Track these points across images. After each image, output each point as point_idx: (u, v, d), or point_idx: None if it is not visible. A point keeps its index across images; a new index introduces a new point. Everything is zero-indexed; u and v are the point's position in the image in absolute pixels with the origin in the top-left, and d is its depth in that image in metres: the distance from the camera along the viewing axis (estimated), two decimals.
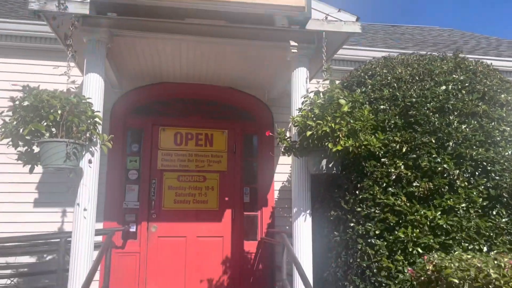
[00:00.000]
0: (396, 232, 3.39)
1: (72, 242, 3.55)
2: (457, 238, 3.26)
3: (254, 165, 5.85)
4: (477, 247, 3.24)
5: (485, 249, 3.26)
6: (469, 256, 2.20)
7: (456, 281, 1.91)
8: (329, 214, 4.10)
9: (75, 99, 3.38)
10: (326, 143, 3.49)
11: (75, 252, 3.50)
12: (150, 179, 5.44)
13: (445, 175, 3.37)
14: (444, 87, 3.61)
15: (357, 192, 3.69)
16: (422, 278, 2.25)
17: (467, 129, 3.45)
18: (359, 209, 3.61)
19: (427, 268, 2.26)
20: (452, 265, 2.03)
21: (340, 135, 3.45)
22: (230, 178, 5.65)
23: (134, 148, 5.54)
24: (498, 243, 3.25)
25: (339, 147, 3.44)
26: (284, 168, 5.71)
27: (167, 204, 5.45)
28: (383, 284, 3.40)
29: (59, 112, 3.23)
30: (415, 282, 2.71)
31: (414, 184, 3.41)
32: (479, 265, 1.91)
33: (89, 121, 3.50)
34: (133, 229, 5.31)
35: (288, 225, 5.48)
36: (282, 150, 3.90)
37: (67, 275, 3.54)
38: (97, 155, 3.75)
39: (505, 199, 3.32)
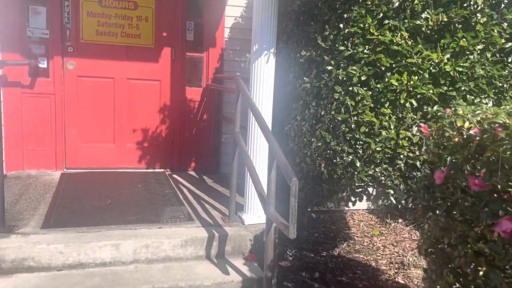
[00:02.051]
0: (387, 79, 2.63)
1: None
2: (463, 89, 2.58)
3: None
4: (484, 101, 2.61)
5: (490, 104, 2.64)
6: None
7: None
8: (298, 55, 3.23)
9: None
10: None
11: None
12: (61, 0, 4.10)
13: (465, 4, 2.52)
14: None
15: (341, 25, 2.78)
16: (456, 139, 1.53)
17: None
18: (342, 47, 2.74)
19: (460, 125, 1.54)
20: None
21: None
22: (169, 7, 4.44)
23: None
24: (508, 97, 2.63)
25: None
26: (238, 0, 4.57)
27: (87, 36, 4.24)
28: (361, 142, 2.76)
29: None
30: (427, 143, 1.99)
31: (423, 15, 2.55)
32: None
33: None
34: (43, 64, 4.15)
35: (240, 71, 4.59)
36: None
37: None
38: None
39: None
